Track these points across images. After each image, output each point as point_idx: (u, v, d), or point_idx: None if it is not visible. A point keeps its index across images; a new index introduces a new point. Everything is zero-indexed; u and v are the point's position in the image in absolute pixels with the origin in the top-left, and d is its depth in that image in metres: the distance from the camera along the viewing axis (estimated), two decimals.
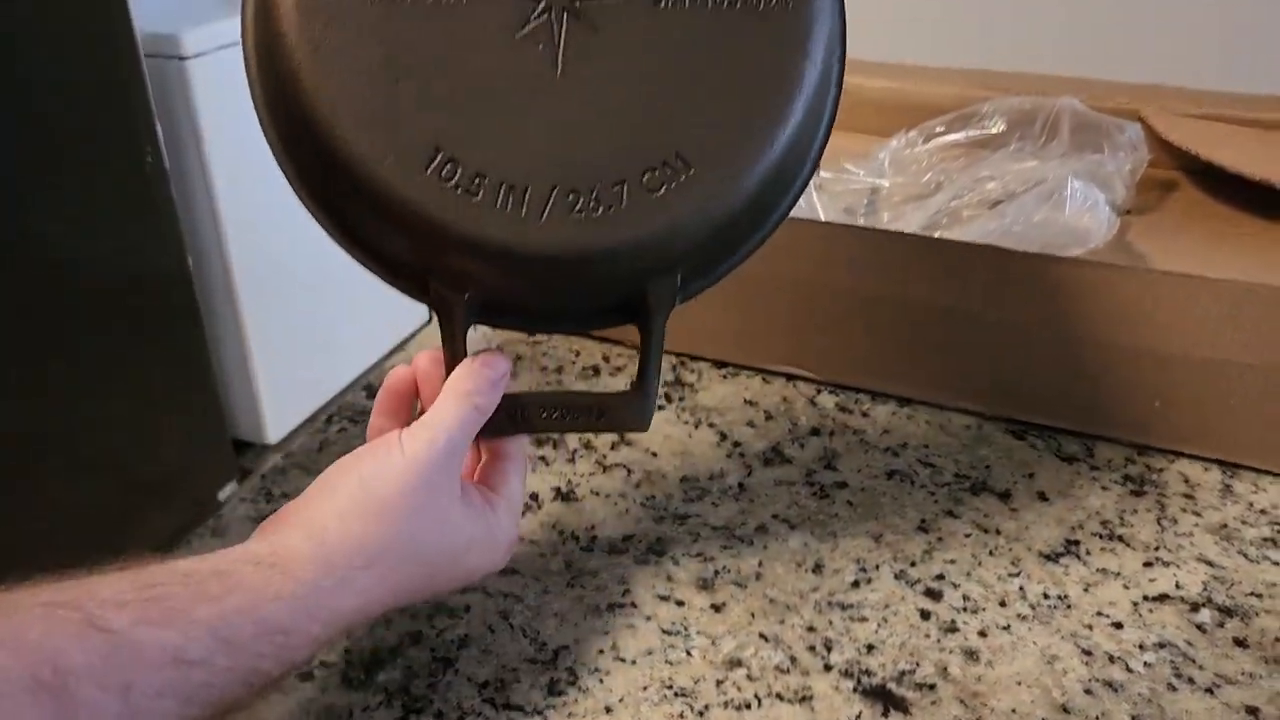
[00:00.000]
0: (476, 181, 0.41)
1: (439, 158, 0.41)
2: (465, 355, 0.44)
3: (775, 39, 0.44)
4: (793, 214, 0.76)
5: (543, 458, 0.61)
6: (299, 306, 1.84)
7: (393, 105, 0.41)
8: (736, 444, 0.62)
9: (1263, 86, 0.95)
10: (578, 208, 0.41)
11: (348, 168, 0.41)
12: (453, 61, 0.42)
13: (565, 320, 0.48)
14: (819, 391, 0.66)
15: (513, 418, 0.45)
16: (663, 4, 0.43)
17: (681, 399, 0.66)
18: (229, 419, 1.77)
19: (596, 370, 0.68)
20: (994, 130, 0.77)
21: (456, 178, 0.41)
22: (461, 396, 0.43)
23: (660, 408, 0.65)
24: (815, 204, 0.76)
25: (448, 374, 0.44)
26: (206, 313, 1.69)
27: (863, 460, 0.60)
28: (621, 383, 0.67)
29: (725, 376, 0.68)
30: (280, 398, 1.84)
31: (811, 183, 0.78)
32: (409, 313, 1.83)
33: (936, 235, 0.72)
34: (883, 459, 0.60)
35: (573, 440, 0.62)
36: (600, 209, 0.42)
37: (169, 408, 1.62)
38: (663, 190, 0.42)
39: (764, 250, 0.66)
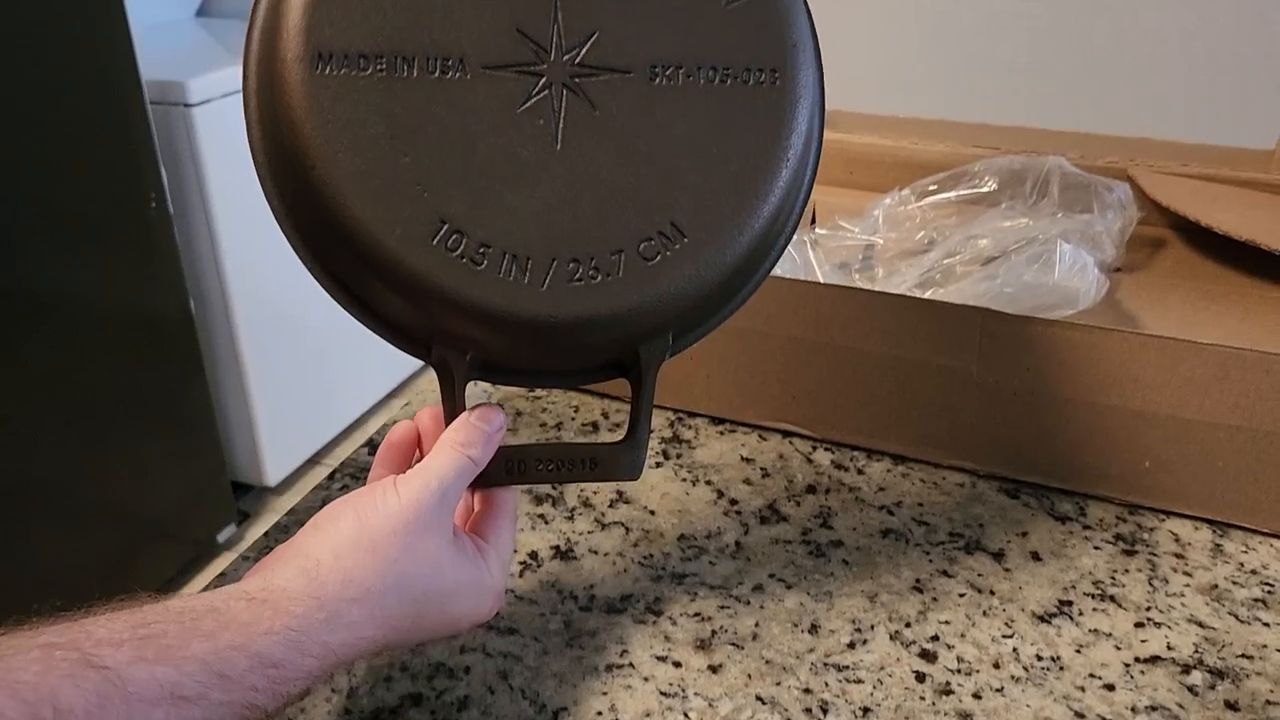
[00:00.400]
0: (481, 252, 0.42)
1: (444, 229, 0.42)
2: (464, 410, 0.45)
3: (764, 114, 0.45)
4: (790, 273, 0.77)
5: (542, 515, 0.61)
6: (299, 350, 1.85)
7: (398, 178, 0.42)
8: (734, 501, 0.62)
9: (1250, 140, 0.97)
10: (577, 276, 0.43)
11: (354, 239, 0.42)
12: (456, 135, 0.43)
13: (561, 377, 0.49)
14: (815, 448, 0.67)
15: (509, 469, 0.46)
16: (657, 80, 0.45)
17: (679, 455, 0.66)
18: (228, 461, 1.78)
19: (595, 426, 0.69)
20: (985, 189, 0.78)
21: (462, 248, 0.42)
22: (456, 447, 0.44)
23: (658, 464, 0.65)
24: (811, 260, 0.77)
25: (445, 418, 0.46)
26: (207, 355, 1.71)
27: (858, 518, 0.61)
28: (620, 437, 0.68)
29: (722, 433, 0.69)
30: (280, 440, 1.84)
31: (808, 239, 0.79)
32: (408, 358, 1.84)
33: (930, 292, 0.73)
34: (878, 517, 0.61)
35: (571, 498, 0.63)
36: (600, 277, 0.43)
37: (169, 450, 1.63)
38: (658, 259, 0.44)
39: (762, 309, 0.67)
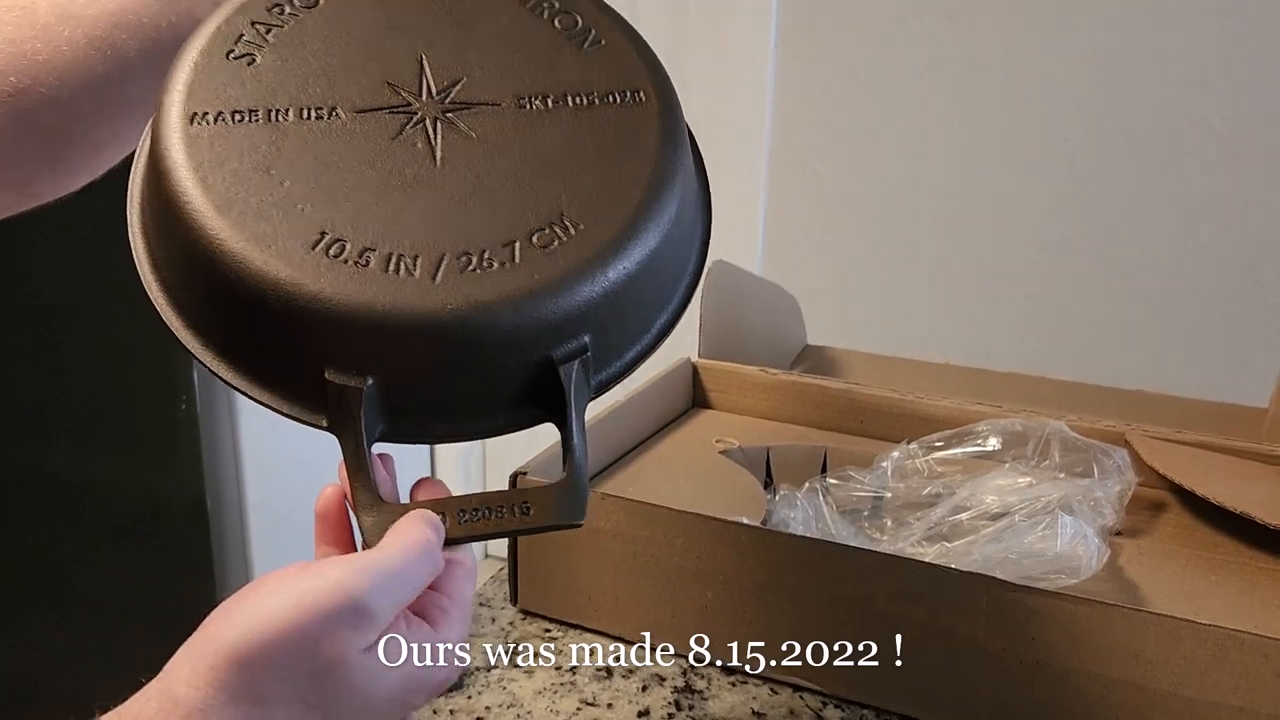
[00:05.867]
0: (364, 255, 0.41)
1: (324, 238, 0.42)
2: (371, 470, 0.41)
3: (638, 124, 0.47)
4: (801, 521, 0.80)
5: None
6: (306, 553, 1.86)
7: (274, 200, 0.42)
8: None
9: (1245, 395, 1.02)
10: (471, 267, 0.42)
11: (229, 268, 0.41)
12: (335, 163, 0.44)
13: (479, 416, 0.44)
14: (825, 704, 0.68)
15: None
16: (526, 108, 0.47)
17: (691, 708, 0.67)
18: None
19: (609, 672, 0.70)
20: (989, 448, 0.82)
21: (344, 253, 0.41)
22: (420, 536, 0.38)
23: (670, 716, 0.66)
24: (821, 508, 0.80)
25: (350, 488, 0.41)
26: (216, 552, 1.72)
27: None
28: (634, 684, 0.69)
29: (734, 684, 0.70)
30: None
31: (819, 487, 0.83)
32: None
33: (937, 547, 0.75)
34: None
35: None
36: (495, 265, 0.42)
37: (166, 651, 1.62)
38: (554, 245, 0.43)
39: (773, 561, 0.69)
